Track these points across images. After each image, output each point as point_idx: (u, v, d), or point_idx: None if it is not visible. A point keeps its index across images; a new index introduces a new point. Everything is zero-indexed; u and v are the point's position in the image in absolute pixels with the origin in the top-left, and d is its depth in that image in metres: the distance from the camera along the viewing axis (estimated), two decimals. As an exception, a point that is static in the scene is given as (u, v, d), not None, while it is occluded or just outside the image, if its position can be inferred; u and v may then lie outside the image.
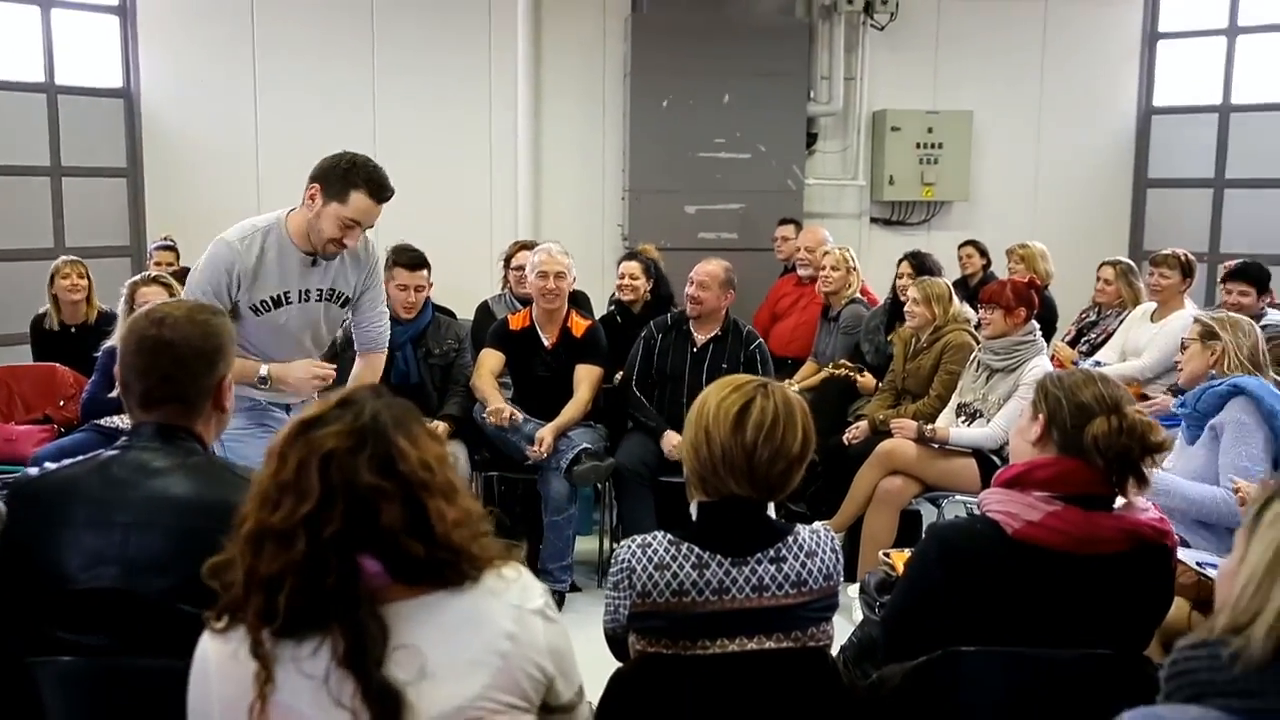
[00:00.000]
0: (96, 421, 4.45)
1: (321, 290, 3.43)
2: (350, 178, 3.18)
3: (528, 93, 7.93)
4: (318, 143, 7.20)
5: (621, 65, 8.04)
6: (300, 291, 3.38)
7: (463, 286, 6.42)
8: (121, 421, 4.26)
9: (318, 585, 1.44)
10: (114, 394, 4.04)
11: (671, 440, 4.64)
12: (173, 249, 6.59)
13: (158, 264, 6.28)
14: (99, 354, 4.69)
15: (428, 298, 4.87)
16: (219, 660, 1.52)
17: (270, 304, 3.34)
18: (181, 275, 4.80)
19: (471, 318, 5.63)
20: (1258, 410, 3.29)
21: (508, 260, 5.87)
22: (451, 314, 5.52)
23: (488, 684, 1.49)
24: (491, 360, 4.85)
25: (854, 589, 3.57)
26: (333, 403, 1.54)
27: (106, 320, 5.25)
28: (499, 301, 5.77)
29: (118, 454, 2.00)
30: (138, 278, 4.79)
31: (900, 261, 5.65)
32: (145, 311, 2.09)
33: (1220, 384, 3.38)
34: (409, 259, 4.77)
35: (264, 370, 3.30)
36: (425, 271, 4.81)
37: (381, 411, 1.53)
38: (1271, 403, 3.30)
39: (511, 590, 1.56)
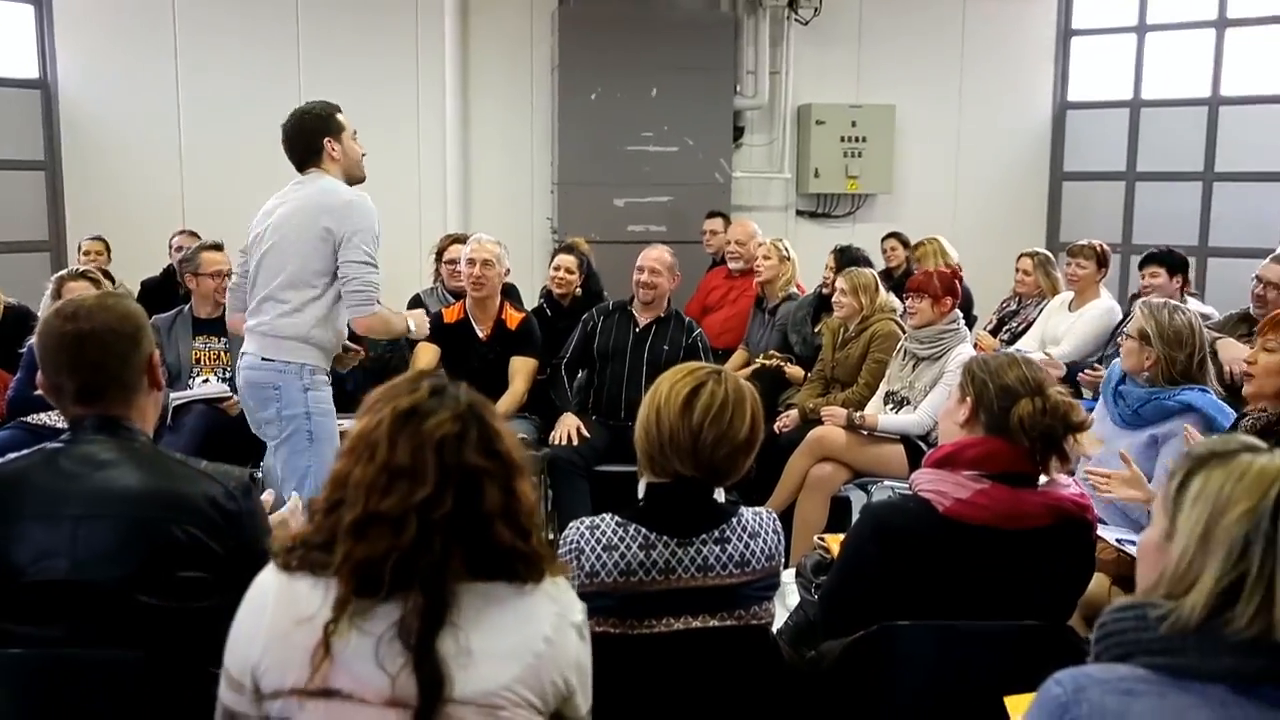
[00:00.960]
0: (23, 418, 4.37)
1: None
2: (331, 112, 3.66)
3: (455, 86, 7.92)
4: (242, 134, 7.24)
5: (549, 59, 8.06)
6: None
7: (391, 280, 6.38)
8: (50, 418, 4.20)
9: (416, 563, 1.49)
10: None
11: (567, 423, 4.73)
12: (102, 240, 6.42)
13: (86, 254, 6.15)
14: (24, 350, 4.60)
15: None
16: (279, 594, 1.56)
17: None
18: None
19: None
20: (1207, 429, 3.30)
21: (439, 254, 5.87)
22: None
23: (517, 677, 1.54)
24: (426, 354, 4.86)
25: (789, 574, 3.64)
26: (424, 392, 1.58)
27: (18, 316, 5.13)
28: (431, 295, 5.77)
29: (64, 447, 1.99)
30: (64, 272, 4.70)
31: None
32: (54, 310, 2.06)
33: (1170, 398, 3.40)
34: None
35: (412, 324, 3.87)
36: None
37: (473, 396, 1.61)
38: (1222, 421, 3.32)
39: (560, 600, 1.63)
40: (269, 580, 1.58)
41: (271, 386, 3.58)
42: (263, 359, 3.61)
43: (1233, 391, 3.70)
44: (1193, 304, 4.88)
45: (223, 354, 4.83)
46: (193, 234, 6.25)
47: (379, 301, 3.61)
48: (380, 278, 3.60)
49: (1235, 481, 1.42)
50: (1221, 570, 1.40)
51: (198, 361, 4.83)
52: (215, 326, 4.87)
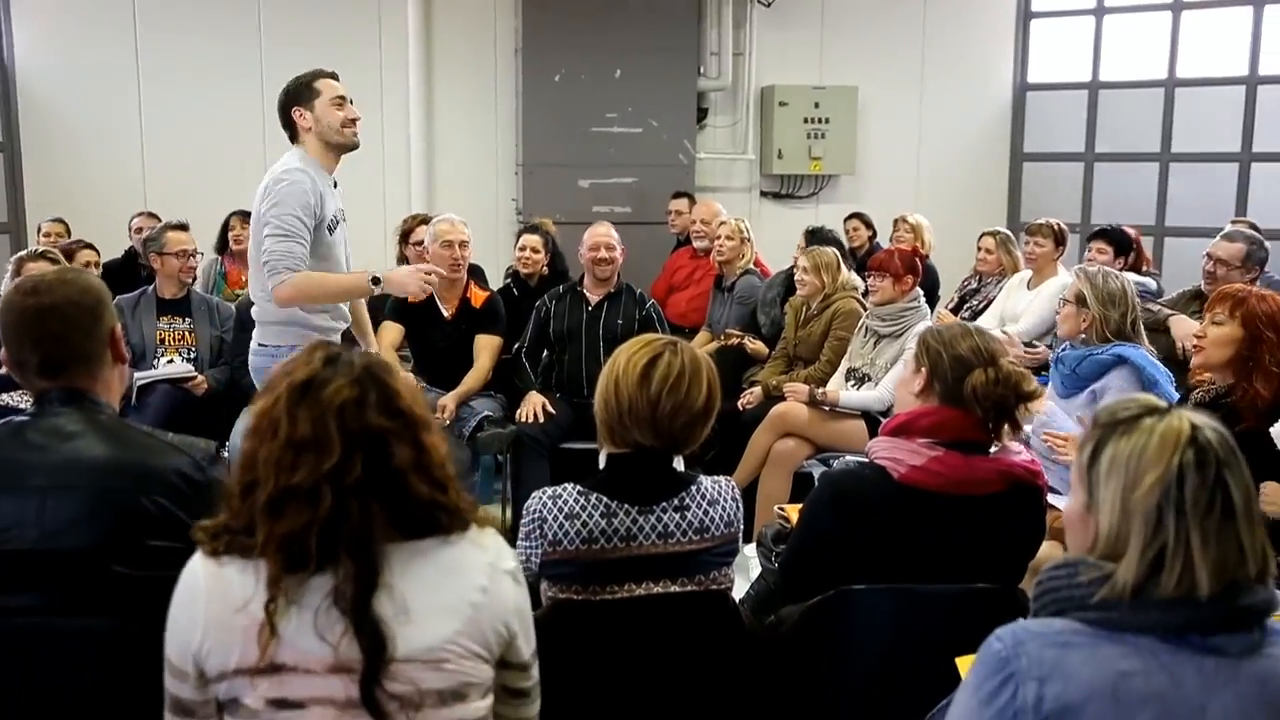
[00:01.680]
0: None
1: (343, 211, 3.71)
2: (307, 80, 3.58)
3: (419, 68, 7.90)
4: (203, 114, 7.20)
5: (513, 40, 8.05)
6: (339, 210, 3.66)
7: (356, 263, 6.37)
8: (13, 399, 4.19)
9: (339, 531, 1.52)
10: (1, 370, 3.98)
11: (532, 401, 4.80)
12: (62, 221, 6.38)
13: (46, 235, 6.12)
14: None
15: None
16: (210, 581, 1.57)
17: (335, 222, 3.61)
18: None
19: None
20: (1139, 379, 3.47)
21: (405, 235, 5.88)
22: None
23: (458, 630, 1.58)
24: (391, 333, 4.88)
25: (751, 548, 3.71)
26: (318, 363, 1.60)
27: None
28: (396, 276, 5.76)
29: (30, 420, 2.02)
30: (24, 253, 4.69)
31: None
32: (15, 286, 2.08)
33: (1103, 352, 3.55)
34: None
35: (376, 273, 3.65)
36: None
37: (368, 359, 1.63)
38: (1152, 372, 3.48)
39: (490, 550, 1.66)
40: (198, 569, 1.60)
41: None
42: (259, 345, 3.64)
43: (1184, 367, 3.80)
44: (1130, 275, 5.00)
45: (188, 334, 4.84)
46: (153, 215, 6.23)
47: (295, 269, 3.42)
48: (297, 246, 3.43)
49: (1141, 451, 1.48)
50: (1144, 542, 1.46)
51: (162, 341, 4.83)
52: (180, 306, 4.87)
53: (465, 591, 1.59)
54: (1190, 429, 1.48)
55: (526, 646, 1.70)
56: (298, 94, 3.57)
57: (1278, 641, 1.53)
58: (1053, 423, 3.49)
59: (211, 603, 1.56)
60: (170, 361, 4.75)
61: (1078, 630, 1.51)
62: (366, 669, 1.51)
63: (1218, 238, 4.60)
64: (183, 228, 4.99)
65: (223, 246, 6.23)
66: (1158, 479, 1.45)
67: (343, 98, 3.59)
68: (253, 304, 3.72)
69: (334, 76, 3.62)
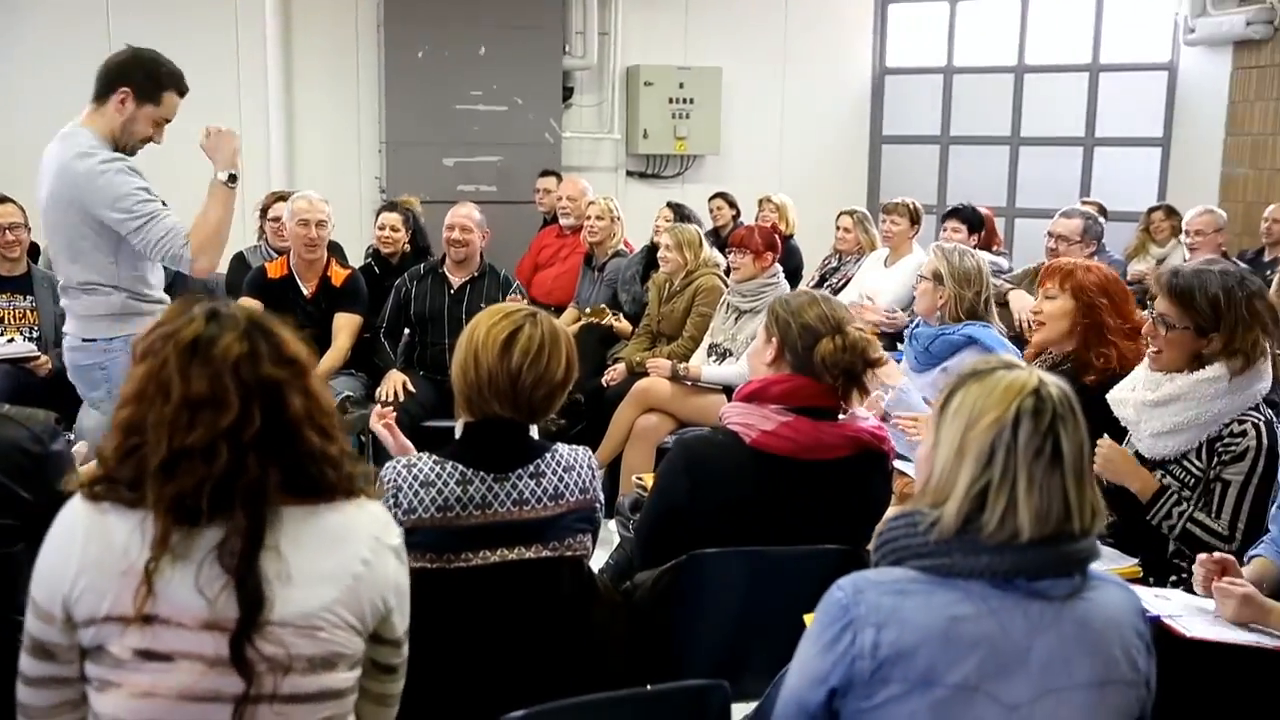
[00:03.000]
0: None
1: None
2: (161, 80, 3.30)
3: (277, 42, 7.70)
4: (44, 85, 6.87)
5: (375, 14, 7.91)
6: None
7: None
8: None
9: (233, 487, 1.49)
10: None
11: (393, 379, 4.78)
12: None
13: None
14: None
15: None
16: (89, 526, 1.53)
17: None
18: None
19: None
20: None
21: (264, 211, 5.75)
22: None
23: (336, 599, 1.56)
24: (248, 308, 4.75)
25: (612, 524, 3.75)
26: (200, 320, 1.56)
27: None
28: (254, 253, 5.65)
29: None
30: None
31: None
32: None
33: (954, 332, 3.65)
34: None
35: (219, 175, 3.35)
36: None
37: (247, 310, 1.61)
38: (1002, 352, 3.61)
39: (377, 523, 1.64)
40: (78, 511, 1.56)
41: (98, 367, 3.40)
42: (83, 340, 3.42)
43: (1021, 340, 3.97)
44: (984, 254, 5.18)
45: (29, 313, 4.65)
46: None
47: (186, 240, 3.26)
48: (166, 218, 3.25)
49: (986, 395, 1.56)
50: (971, 479, 1.54)
51: (1, 320, 4.63)
52: (20, 284, 4.68)
53: (348, 561, 1.58)
54: (1036, 381, 1.56)
55: (401, 623, 1.70)
56: (141, 84, 3.27)
57: (1098, 585, 1.63)
58: (906, 399, 3.60)
59: (89, 547, 1.51)
60: (10, 341, 4.55)
61: (914, 578, 1.58)
62: (240, 627, 1.48)
63: (1057, 215, 4.81)
64: (5, 200, 4.77)
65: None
66: (995, 420, 1.53)
67: (167, 121, 3.36)
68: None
69: (184, 92, 3.38)
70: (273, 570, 1.51)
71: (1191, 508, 2.57)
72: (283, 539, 1.54)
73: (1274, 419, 2.63)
